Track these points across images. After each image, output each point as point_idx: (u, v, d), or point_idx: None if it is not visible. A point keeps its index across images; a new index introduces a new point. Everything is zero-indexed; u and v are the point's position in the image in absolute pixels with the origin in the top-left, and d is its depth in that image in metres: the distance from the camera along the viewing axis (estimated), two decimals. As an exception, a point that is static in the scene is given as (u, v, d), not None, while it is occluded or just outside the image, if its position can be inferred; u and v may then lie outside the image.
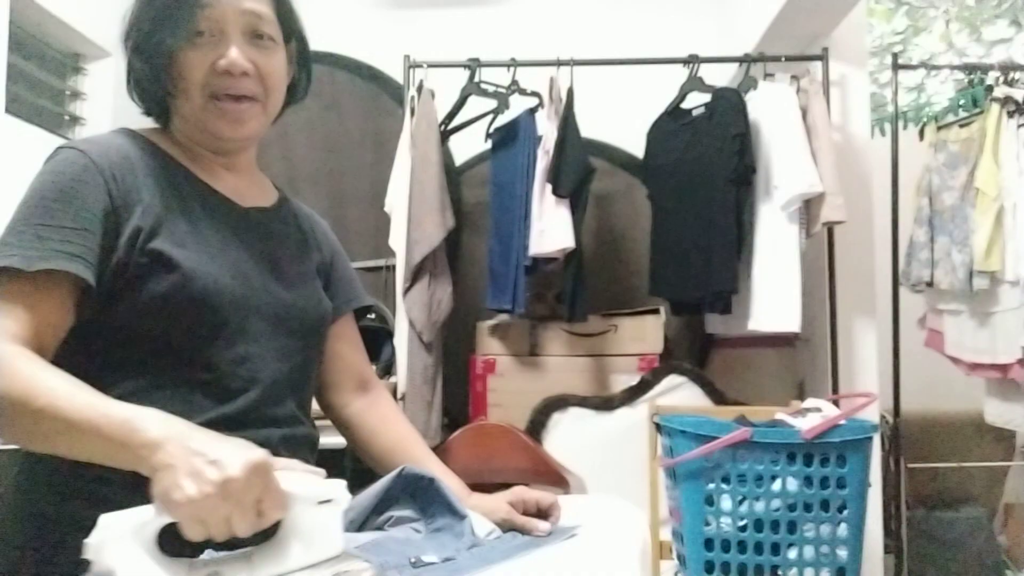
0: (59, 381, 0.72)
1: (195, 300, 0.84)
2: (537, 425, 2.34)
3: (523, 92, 2.41)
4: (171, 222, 0.86)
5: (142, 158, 0.89)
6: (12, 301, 0.77)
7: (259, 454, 0.65)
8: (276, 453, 0.84)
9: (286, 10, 0.97)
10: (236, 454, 0.64)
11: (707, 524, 1.15)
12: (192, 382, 0.85)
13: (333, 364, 1.11)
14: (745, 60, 2.40)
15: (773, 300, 2.21)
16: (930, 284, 2.66)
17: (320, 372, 1.10)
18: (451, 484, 1.00)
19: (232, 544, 0.67)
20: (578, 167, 2.24)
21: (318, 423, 2.00)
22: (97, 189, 0.83)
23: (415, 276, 2.32)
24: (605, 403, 2.35)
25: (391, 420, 1.13)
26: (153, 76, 0.90)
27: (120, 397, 0.76)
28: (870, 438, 1.17)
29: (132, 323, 0.83)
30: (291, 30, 0.98)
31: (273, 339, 0.92)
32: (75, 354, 0.82)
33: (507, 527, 0.97)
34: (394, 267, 2.48)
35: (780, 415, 1.38)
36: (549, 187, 2.24)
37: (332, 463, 2.37)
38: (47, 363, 0.75)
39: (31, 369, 0.72)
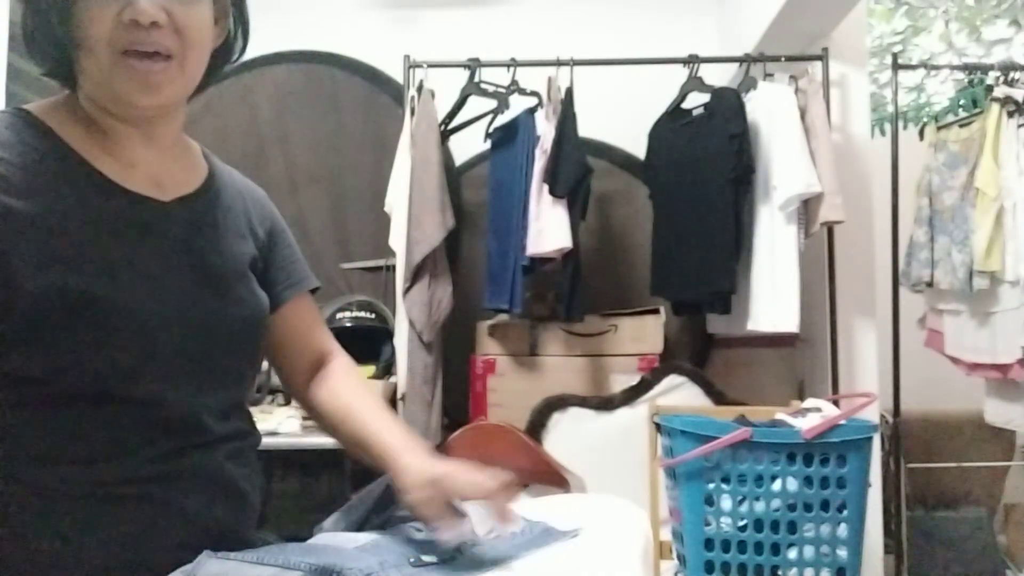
0: None
1: (110, 334, 0.73)
2: (537, 425, 2.34)
3: (523, 92, 2.41)
4: (67, 244, 0.73)
5: (27, 156, 0.74)
6: None
7: None
8: (224, 471, 0.82)
9: None
10: None
11: (707, 524, 1.15)
12: (120, 422, 0.75)
13: (285, 353, 1.01)
14: (745, 60, 2.40)
15: (772, 300, 2.21)
16: (930, 284, 2.66)
17: (276, 363, 1.03)
18: (386, 441, 0.89)
19: None
20: (575, 167, 2.24)
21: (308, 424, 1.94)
22: None
23: (415, 276, 2.32)
24: (605, 403, 2.35)
25: (336, 391, 0.99)
26: (49, 31, 0.77)
27: (40, 456, 0.71)
28: (870, 438, 1.17)
29: (37, 368, 0.72)
30: None
31: (205, 356, 0.82)
32: None
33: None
34: (394, 267, 2.48)
35: (780, 415, 1.39)
36: (546, 187, 2.25)
37: (332, 463, 2.36)
38: None
39: None
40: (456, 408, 2.52)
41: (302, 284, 1.01)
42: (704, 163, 2.28)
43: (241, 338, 0.88)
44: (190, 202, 0.87)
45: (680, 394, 2.33)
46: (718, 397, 2.35)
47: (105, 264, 0.75)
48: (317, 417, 1.03)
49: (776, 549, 1.15)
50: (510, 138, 2.42)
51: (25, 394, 0.73)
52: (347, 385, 1.00)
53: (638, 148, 2.59)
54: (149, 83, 0.77)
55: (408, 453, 0.86)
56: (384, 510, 0.95)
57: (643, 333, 2.46)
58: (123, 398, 0.75)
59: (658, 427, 1.29)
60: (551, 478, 2.20)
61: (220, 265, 0.87)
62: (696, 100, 2.39)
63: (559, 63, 2.36)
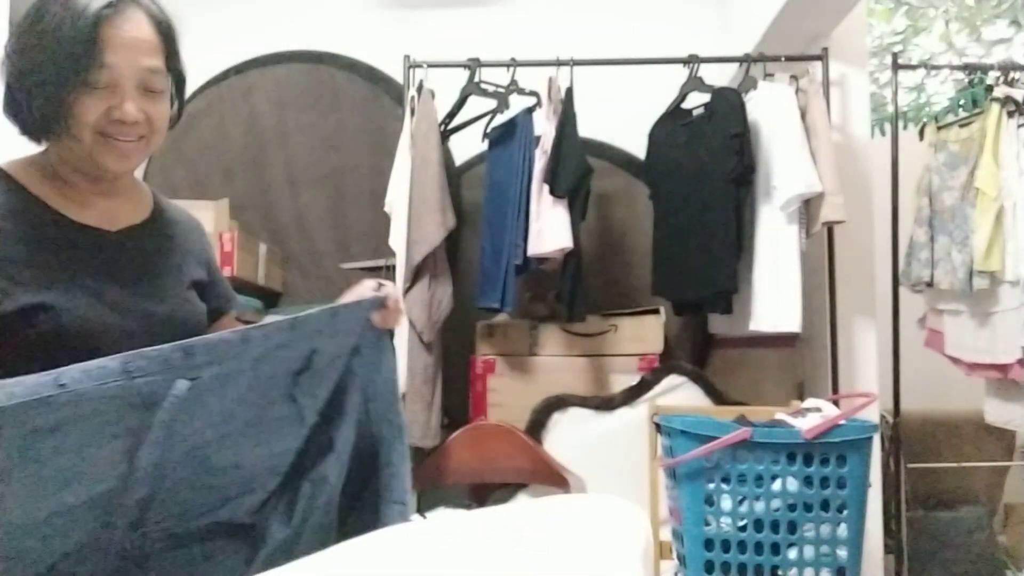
0: None
1: (68, 339, 0.88)
2: (537, 425, 2.34)
3: (522, 92, 2.41)
4: (31, 267, 0.90)
5: (5, 205, 0.92)
6: None
7: None
8: None
9: (175, 59, 1.02)
10: None
11: (707, 524, 1.15)
12: None
13: None
14: (745, 60, 2.40)
15: (773, 300, 2.21)
16: (930, 284, 2.65)
17: None
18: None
19: None
20: (575, 167, 2.24)
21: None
22: None
23: (415, 276, 2.32)
24: (605, 403, 2.35)
25: None
26: (36, 112, 0.94)
27: None
28: (870, 438, 1.17)
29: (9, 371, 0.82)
30: (177, 74, 1.03)
31: None
32: None
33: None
34: (394, 267, 2.48)
35: (780, 415, 1.38)
36: (547, 187, 2.25)
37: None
38: None
39: None
40: (456, 408, 2.52)
41: (230, 304, 1.20)
42: (705, 163, 2.28)
43: (175, 337, 0.96)
44: (135, 231, 1.05)
45: (680, 394, 2.33)
46: (718, 397, 2.35)
47: (59, 282, 0.91)
48: None
49: (776, 549, 1.15)
50: (507, 137, 2.42)
51: None
52: None
53: (638, 148, 2.59)
54: (124, 155, 0.97)
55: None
56: None
57: (643, 333, 2.46)
58: None
59: (658, 427, 1.28)
60: (551, 478, 2.20)
61: (160, 280, 1.04)
62: (696, 100, 2.39)
63: (559, 63, 2.36)
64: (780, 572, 1.15)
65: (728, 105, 2.25)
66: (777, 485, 1.14)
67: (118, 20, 0.93)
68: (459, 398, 2.51)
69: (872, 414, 2.32)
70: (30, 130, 0.98)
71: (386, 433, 1.05)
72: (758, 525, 1.14)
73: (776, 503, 1.14)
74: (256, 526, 0.95)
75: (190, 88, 1.10)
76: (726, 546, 1.15)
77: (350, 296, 1.09)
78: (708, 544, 1.15)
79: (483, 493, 2.36)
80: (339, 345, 1.01)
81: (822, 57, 2.36)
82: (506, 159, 2.39)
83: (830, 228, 2.33)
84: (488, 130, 2.54)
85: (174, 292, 1.05)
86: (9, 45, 0.95)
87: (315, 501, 0.99)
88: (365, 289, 1.09)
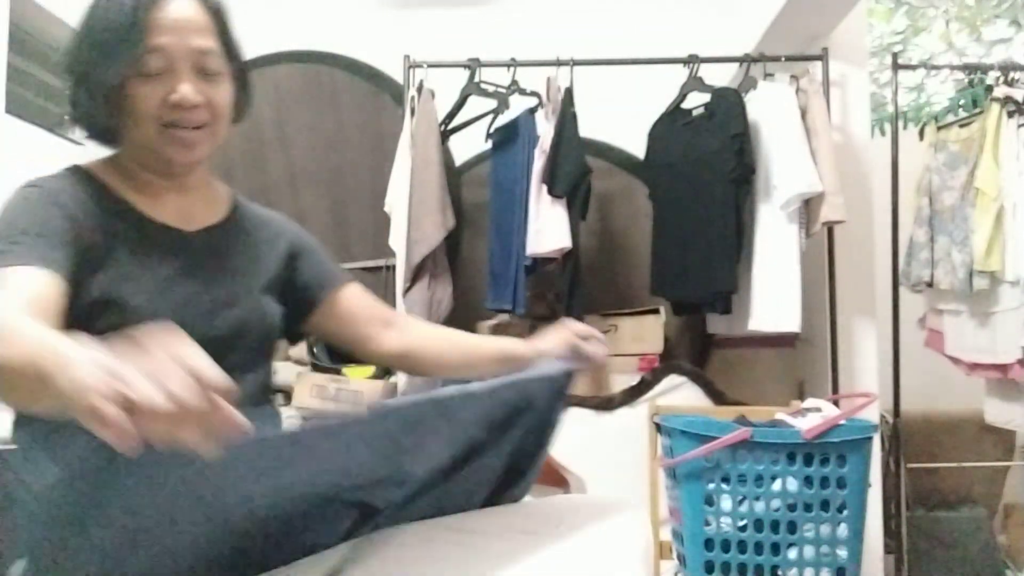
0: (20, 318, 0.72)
1: (119, 332, 0.86)
2: (537, 425, 2.33)
3: (523, 92, 2.41)
4: (110, 263, 0.91)
5: (86, 201, 0.94)
6: None
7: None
8: None
9: (231, 41, 1.00)
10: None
11: (707, 524, 1.15)
12: None
13: (347, 327, 1.16)
14: (745, 60, 2.40)
15: (773, 300, 2.21)
16: (930, 284, 2.65)
17: (349, 341, 1.18)
18: (505, 342, 1.12)
19: None
20: (574, 167, 2.24)
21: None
22: (58, 210, 0.89)
23: (415, 276, 2.32)
24: (605, 403, 2.35)
25: (426, 332, 1.22)
26: (99, 109, 0.94)
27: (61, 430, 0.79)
28: (870, 438, 1.16)
29: None
30: (234, 58, 1.01)
31: (220, 361, 0.92)
32: None
33: (574, 354, 1.09)
34: (394, 267, 2.48)
35: (780, 415, 1.38)
36: (545, 187, 2.24)
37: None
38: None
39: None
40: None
41: (330, 284, 1.15)
42: (705, 163, 2.28)
43: (248, 340, 1.01)
44: (211, 231, 1.04)
45: (680, 394, 2.33)
46: (718, 397, 2.35)
47: (131, 279, 0.92)
48: (411, 362, 1.20)
49: (776, 549, 1.15)
50: (511, 138, 2.42)
51: None
52: (435, 332, 1.24)
53: (638, 148, 2.59)
54: (188, 146, 0.95)
55: (528, 342, 1.11)
56: None
57: (643, 333, 2.45)
58: None
59: (658, 427, 1.28)
60: (551, 478, 2.19)
61: (232, 283, 1.02)
62: (696, 100, 2.39)
63: (559, 63, 2.36)
64: (780, 572, 1.15)
65: (728, 105, 2.25)
66: (777, 485, 1.14)
67: (162, 2, 0.92)
68: (459, 398, 2.50)
69: (872, 414, 2.32)
70: (98, 132, 0.99)
71: (524, 467, 1.04)
72: (758, 525, 1.14)
73: (776, 503, 1.14)
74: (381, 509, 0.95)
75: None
76: (726, 546, 1.15)
77: (551, 341, 1.10)
78: (708, 544, 1.15)
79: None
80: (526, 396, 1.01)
81: (822, 57, 2.36)
82: (510, 160, 2.39)
83: (830, 228, 2.33)
84: (491, 131, 2.54)
85: (246, 295, 1.03)
86: (66, 48, 0.95)
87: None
88: (564, 339, 1.10)
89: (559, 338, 1.10)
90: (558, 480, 2.18)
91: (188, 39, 0.93)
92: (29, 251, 0.84)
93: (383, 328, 1.18)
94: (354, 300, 1.17)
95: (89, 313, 0.87)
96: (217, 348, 0.90)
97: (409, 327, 1.20)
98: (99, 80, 0.92)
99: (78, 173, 0.97)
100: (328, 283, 1.15)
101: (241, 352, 0.99)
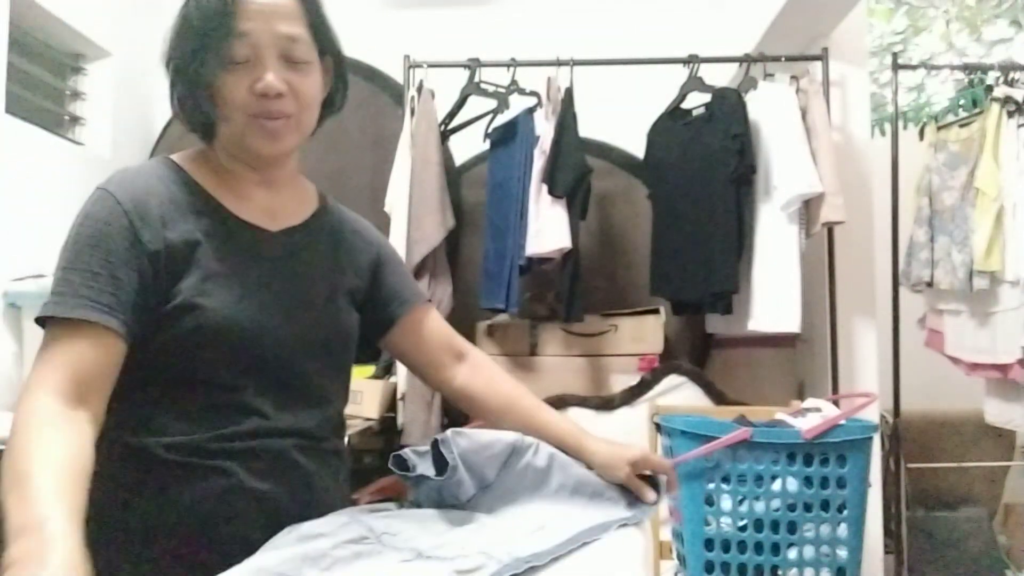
0: (40, 456, 0.74)
1: (216, 338, 0.89)
2: (537, 425, 2.33)
3: (522, 92, 2.41)
4: (194, 263, 0.90)
5: (171, 195, 0.93)
6: (52, 350, 0.83)
7: None
8: (296, 462, 0.94)
9: (321, 28, 0.99)
10: None
11: (707, 524, 1.15)
12: (204, 402, 0.90)
13: (420, 350, 1.15)
14: (745, 60, 2.40)
15: (773, 300, 2.21)
16: (930, 284, 2.66)
17: (415, 366, 1.17)
18: (564, 428, 1.07)
19: None
20: (574, 167, 2.24)
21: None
22: (123, 231, 0.87)
23: (415, 276, 2.32)
24: (605, 403, 2.35)
25: (496, 381, 1.16)
26: (194, 99, 0.93)
27: (148, 428, 0.88)
28: (870, 438, 1.16)
29: (159, 358, 0.89)
30: (326, 46, 1.00)
31: (295, 363, 0.96)
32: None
33: (624, 485, 1.01)
34: (394, 267, 2.48)
35: (780, 415, 1.38)
36: (546, 187, 2.24)
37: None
38: (60, 426, 0.77)
39: (32, 434, 0.76)
40: (456, 408, 2.51)
41: (411, 301, 1.14)
42: (705, 163, 2.28)
43: (323, 349, 1.00)
44: (295, 232, 1.02)
45: (680, 394, 2.33)
46: (718, 397, 2.35)
47: (218, 278, 0.91)
48: (471, 404, 1.17)
49: (776, 549, 1.15)
50: (509, 138, 2.42)
51: (144, 376, 0.89)
52: (501, 380, 1.18)
53: (638, 148, 2.59)
54: (273, 137, 0.94)
55: (587, 439, 1.05)
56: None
57: (643, 333, 2.45)
58: (215, 386, 0.90)
59: (658, 427, 1.28)
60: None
61: (311, 285, 1.01)
62: (696, 100, 2.39)
63: (559, 63, 2.36)
64: (780, 572, 1.15)
65: (729, 105, 2.25)
66: (777, 485, 1.14)
67: None
68: (459, 398, 2.50)
69: (872, 414, 2.32)
70: (195, 125, 0.97)
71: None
72: (758, 525, 1.14)
73: (776, 503, 1.14)
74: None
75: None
76: (726, 546, 1.15)
77: (618, 463, 1.02)
78: (708, 544, 1.15)
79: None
80: None
81: (822, 57, 2.36)
82: (508, 160, 2.39)
83: (830, 228, 2.33)
84: (489, 131, 2.54)
85: (324, 301, 1.01)
86: (165, 39, 0.94)
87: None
88: (628, 474, 1.01)
89: (617, 461, 1.02)
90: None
91: (274, 25, 0.91)
92: (93, 294, 0.83)
93: (454, 360, 1.16)
94: (432, 324, 1.16)
95: (172, 315, 0.88)
96: (293, 352, 0.95)
97: (480, 368, 1.17)
98: (190, 72, 0.91)
99: (170, 167, 0.96)
100: (409, 301, 1.14)
101: (317, 358, 0.98)
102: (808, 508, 1.14)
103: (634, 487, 1.00)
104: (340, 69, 1.04)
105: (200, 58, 0.90)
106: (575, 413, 2.35)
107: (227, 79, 0.90)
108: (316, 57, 0.97)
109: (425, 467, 0.99)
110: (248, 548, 0.82)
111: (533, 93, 2.41)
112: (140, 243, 0.87)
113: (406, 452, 1.01)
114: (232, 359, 0.90)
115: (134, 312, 0.86)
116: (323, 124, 1.06)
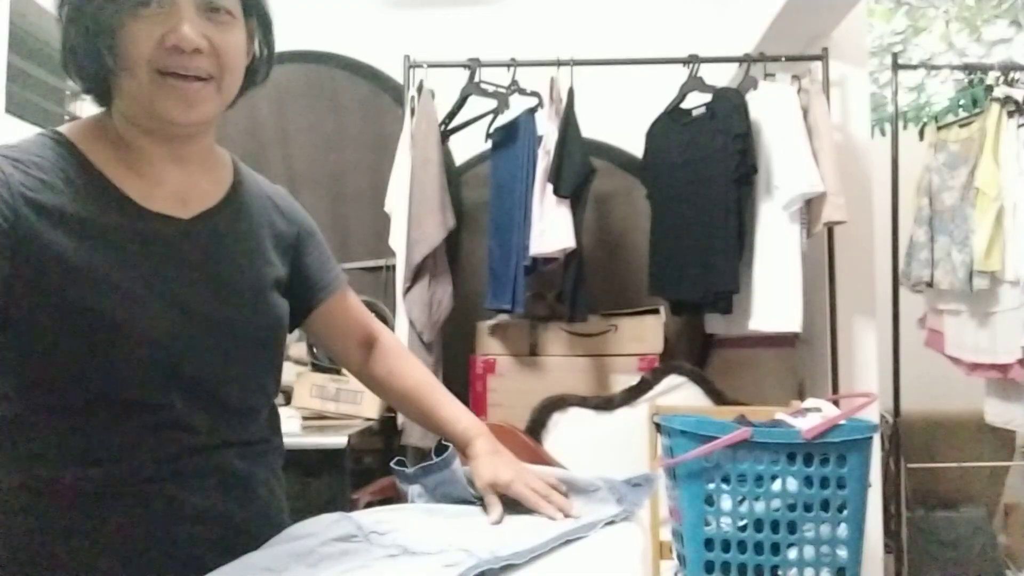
0: None
1: (134, 354, 0.77)
2: (537, 425, 2.34)
3: (523, 92, 2.41)
4: (96, 267, 0.76)
5: (65, 179, 0.78)
6: None
7: None
8: (236, 470, 0.87)
9: None
10: None
11: (707, 524, 1.15)
12: (134, 427, 0.79)
13: (333, 334, 1.10)
14: (745, 60, 2.40)
15: (774, 300, 2.21)
16: (930, 284, 2.66)
17: (328, 350, 1.13)
18: (456, 429, 1.05)
19: None
20: (579, 167, 2.24)
21: (320, 423, 2.03)
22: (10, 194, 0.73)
23: (415, 276, 2.32)
24: (605, 403, 2.35)
25: (399, 370, 1.11)
26: (91, 50, 0.78)
27: (60, 457, 0.77)
28: (870, 438, 1.16)
29: (58, 377, 0.77)
30: (251, 4, 0.86)
31: (221, 367, 0.86)
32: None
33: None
34: (394, 267, 2.48)
35: (780, 415, 1.38)
36: (550, 187, 2.24)
37: (332, 463, 2.36)
38: None
39: None
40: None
41: (331, 286, 1.07)
42: (706, 163, 2.28)
43: (257, 347, 0.91)
44: (211, 217, 0.88)
45: (680, 394, 2.33)
46: (718, 397, 2.35)
47: (124, 285, 0.78)
48: (378, 392, 1.15)
49: (776, 549, 1.14)
50: (511, 138, 2.42)
51: (47, 401, 0.77)
52: (403, 370, 1.12)
53: (638, 148, 2.59)
54: (188, 100, 0.79)
55: (473, 446, 1.02)
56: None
57: (643, 333, 2.46)
58: (139, 406, 0.79)
59: (658, 427, 1.28)
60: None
61: (238, 279, 0.89)
62: (695, 100, 2.39)
63: (559, 63, 2.36)
64: (780, 572, 1.15)
65: (730, 105, 2.24)
66: (777, 485, 1.14)
67: None
68: (459, 398, 2.49)
69: (872, 414, 2.32)
70: (89, 83, 0.82)
71: None
72: (758, 525, 1.14)
73: (776, 503, 1.14)
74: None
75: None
76: (726, 546, 1.15)
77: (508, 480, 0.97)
78: (708, 544, 1.15)
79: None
80: None
81: (822, 57, 2.36)
82: (510, 160, 2.39)
83: (830, 228, 2.33)
84: (490, 131, 2.54)
85: (251, 293, 0.90)
86: None
87: None
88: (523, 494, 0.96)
89: (484, 483, 0.97)
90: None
91: None
92: None
93: (364, 345, 1.11)
94: (348, 308, 1.10)
95: (65, 321, 0.75)
96: (222, 359, 0.87)
97: (386, 355, 1.11)
98: (88, 14, 0.77)
99: (62, 145, 0.81)
100: (330, 286, 1.06)
101: (249, 360, 0.90)
102: (808, 508, 1.14)
103: (486, 500, 0.96)
104: (267, 35, 0.91)
105: (103, 4, 0.76)
106: (575, 413, 2.35)
107: (132, 26, 0.76)
108: (240, 13, 0.84)
109: (423, 482, 1.01)
110: (201, 568, 0.75)
111: (534, 93, 2.41)
112: (14, 228, 0.73)
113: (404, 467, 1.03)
114: (156, 376, 0.79)
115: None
116: (242, 95, 0.89)
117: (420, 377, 1.12)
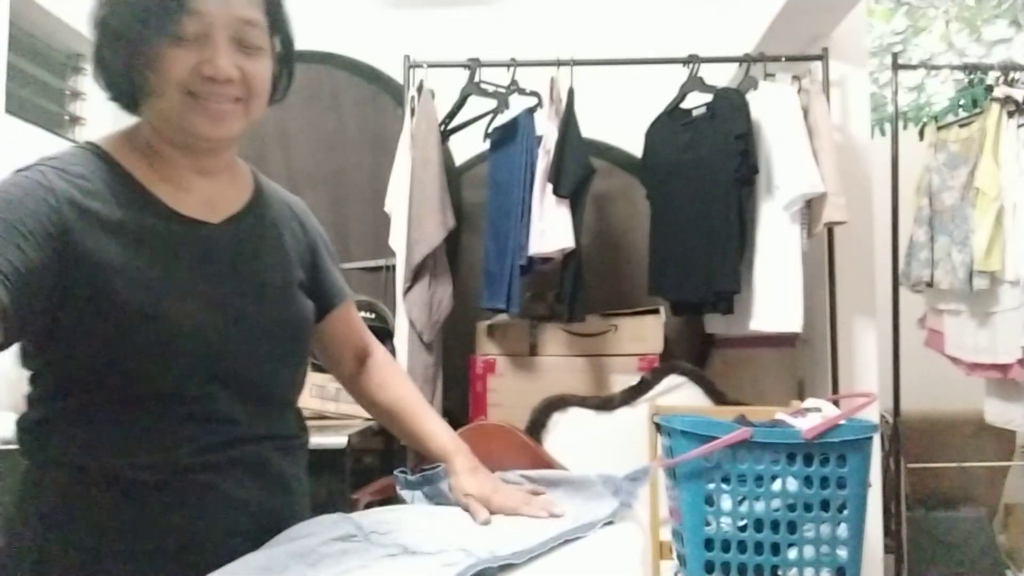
0: None
1: (180, 349, 0.82)
2: (537, 425, 2.34)
3: (523, 92, 2.41)
4: (137, 265, 0.81)
5: (105, 187, 0.83)
6: None
7: None
8: (272, 464, 0.92)
9: (278, 15, 0.91)
10: None
11: (707, 524, 1.15)
12: (175, 419, 0.84)
13: (330, 346, 1.14)
14: (745, 60, 2.40)
15: (774, 300, 2.21)
16: (930, 284, 2.66)
17: (324, 362, 1.16)
18: (436, 444, 1.08)
19: None
20: (579, 167, 2.24)
21: (320, 423, 2.03)
22: (45, 209, 0.77)
23: (415, 276, 2.32)
24: (605, 403, 2.35)
25: (388, 385, 1.15)
26: (126, 70, 0.84)
27: (109, 447, 0.81)
28: (870, 438, 1.16)
29: (114, 374, 0.81)
30: (278, 29, 0.92)
31: (253, 362, 0.90)
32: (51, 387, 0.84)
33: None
34: (394, 267, 2.48)
35: (780, 415, 1.38)
36: (550, 187, 2.24)
37: (332, 463, 2.36)
38: None
39: None
40: (456, 408, 2.52)
41: (338, 298, 1.11)
42: (707, 163, 2.28)
43: (287, 343, 0.96)
44: (238, 221, 0.94)
45: (680, 394, 2.33)
46: (718, 397, 2.35)
47: (165, 284, 0.83)
48: (364, 404, 1.18)
49: (776, 549, 1.14)
50: (509, 138, 2.42)
51: (94, 395, 0.82)
52: (392, 384, 1.15)
53: (638, 148, 2.59)
54: (217, 118, 0.85)
55: (453, 463, 1.06)
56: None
57: (643, 333, 2.46)
58: (182, 398, 0.84)
59: (658, 427, 1.28)
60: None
61: (267, 277, 0.95)
62: (695, 100, 2.39)
63: (559, 63, 2.36)
64: (780, 572, 1.15)
65: (731, 105, 2.24)
66: (777, 485, 1.14)
67: None
68: (459, 398, 2.51)
69: (872, 414, 2.32)
70: (119, 94, 0.87)
71: None
72: (758, 525, 1.14)
73: (776, 503, 1.14)
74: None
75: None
76: (726, 546, 1.14)
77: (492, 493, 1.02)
78: (708, 544, 1.15)
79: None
80: None
81: (822, 57, 2.36)
82: (508, 160, 2.39)
83: (830, 228, 2.33)
84: (489, 131, 2.54)
85: (278, 291, 0.95)
86: (96, 1, 0.85)
87: None
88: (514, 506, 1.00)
89: (498, 499, 1.00)
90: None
91: (232, 7, 0.83)
92: None
93: (357, 359, 1.16)
94: (348, 322, 1.14)
95: (123, 328, 0.79)
96: (258, 353, 0.91)
97: (376, 370, 1.15)
98: (129, 39, 0.81)
99: (99, 156, 0.86)
100: (336, 297, 1.10)
101: (281, 355, 0.94)
102: (808, 508, 1.14)
103: (469, 506, 0.99)
104: (288, 56, 0.95)
105: (140, 27, 0.80)
106: (575, 413, 2.35)
107: (170, 54, 0.81)
108: (268, 43, 0.89)
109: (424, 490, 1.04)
110: (236, 559, 0.80)
111: (533, 93, 2.41)
112: (63, 232, 0.77)
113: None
114: (198, 369, 0.84)
115: (33, 292, 0.74)
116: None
117: (406, 393, 1.15)
